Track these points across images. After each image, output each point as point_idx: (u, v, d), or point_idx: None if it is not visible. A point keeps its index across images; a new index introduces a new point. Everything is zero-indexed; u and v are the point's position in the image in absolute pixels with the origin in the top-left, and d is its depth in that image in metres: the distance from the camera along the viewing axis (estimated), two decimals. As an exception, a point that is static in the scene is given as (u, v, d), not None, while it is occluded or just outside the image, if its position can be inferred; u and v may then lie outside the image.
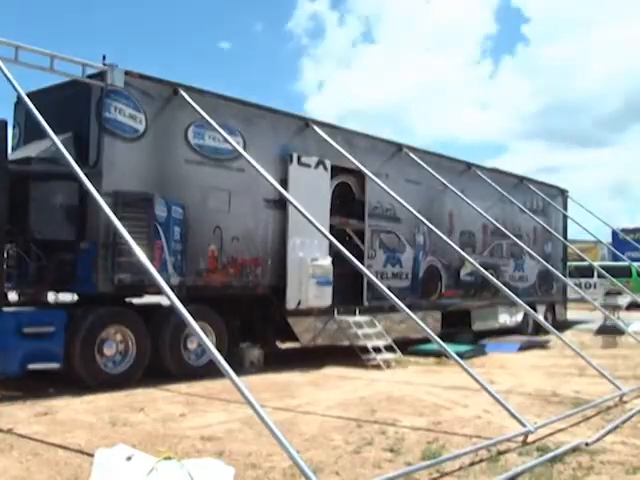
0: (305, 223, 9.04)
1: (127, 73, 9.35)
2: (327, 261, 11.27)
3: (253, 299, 11.00)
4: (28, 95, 8.06)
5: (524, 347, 14.03)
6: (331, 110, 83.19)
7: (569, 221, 19.33)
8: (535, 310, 15.49)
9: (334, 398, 8.46)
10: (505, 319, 15.85)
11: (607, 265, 23.55)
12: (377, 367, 11.00)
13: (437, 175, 13.46)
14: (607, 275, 17.10)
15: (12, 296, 9.35)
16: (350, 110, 76.40)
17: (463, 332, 14.78)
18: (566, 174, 79.70)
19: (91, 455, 5.07)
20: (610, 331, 15.54)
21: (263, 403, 5.76)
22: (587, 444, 6.06)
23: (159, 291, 5.88)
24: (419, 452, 5.82)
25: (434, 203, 14.30)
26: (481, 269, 10.86)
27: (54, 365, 8.49)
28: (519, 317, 16.71)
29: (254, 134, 10.88)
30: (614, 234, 27.55)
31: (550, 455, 5.66)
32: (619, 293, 20.09)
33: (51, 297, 9.73)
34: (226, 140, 9.75)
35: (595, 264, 19.06)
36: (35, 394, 8.18)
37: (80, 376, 8.73)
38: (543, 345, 14.28)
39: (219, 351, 5.41)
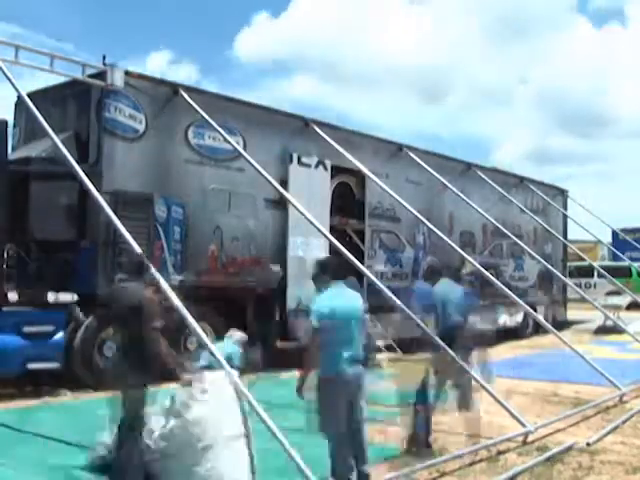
0: (305, 223, 9.03)
1: (127, 73, 9.35)
2: (327, 261, 11.24)
3: (253, 299, 11.00)
4: (28, 95, 8.06)
5: None
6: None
7: (569, 221, 19.35)
8: (535, 310, 15.48)
9: (334, 398, 8.42)
10: (505, 319, 15.81)
11: (607, 265, 23.51)
12: (377, 367, 10.97)
13: (437, 175, 13.45)
14: (607, 275, 17.08)
15: (12, 296, 9.33)
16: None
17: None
18: None
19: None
20: (609, 331, 15.56)
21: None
22: (587, 444, 6.06)
23: None
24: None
25: (434, 203, 14.29)
26: (481, 269, 10.85)
27: (54, 365, 8.48)
28: (519, 317, 16.70)
29: (254, 134, 10.88)
30: (614, 234, 27.47)
31: (550, 455, 5.66)
32: (619, 293, 20.05)
33: (51, 297, 9.70)
34: (226, 140, 9.75)
35: (595, 264, 19.02)
36: (35, 394, 8.17)
37: (80, 376, 8.72)
38: None
39: (219, 351, 5.41)
